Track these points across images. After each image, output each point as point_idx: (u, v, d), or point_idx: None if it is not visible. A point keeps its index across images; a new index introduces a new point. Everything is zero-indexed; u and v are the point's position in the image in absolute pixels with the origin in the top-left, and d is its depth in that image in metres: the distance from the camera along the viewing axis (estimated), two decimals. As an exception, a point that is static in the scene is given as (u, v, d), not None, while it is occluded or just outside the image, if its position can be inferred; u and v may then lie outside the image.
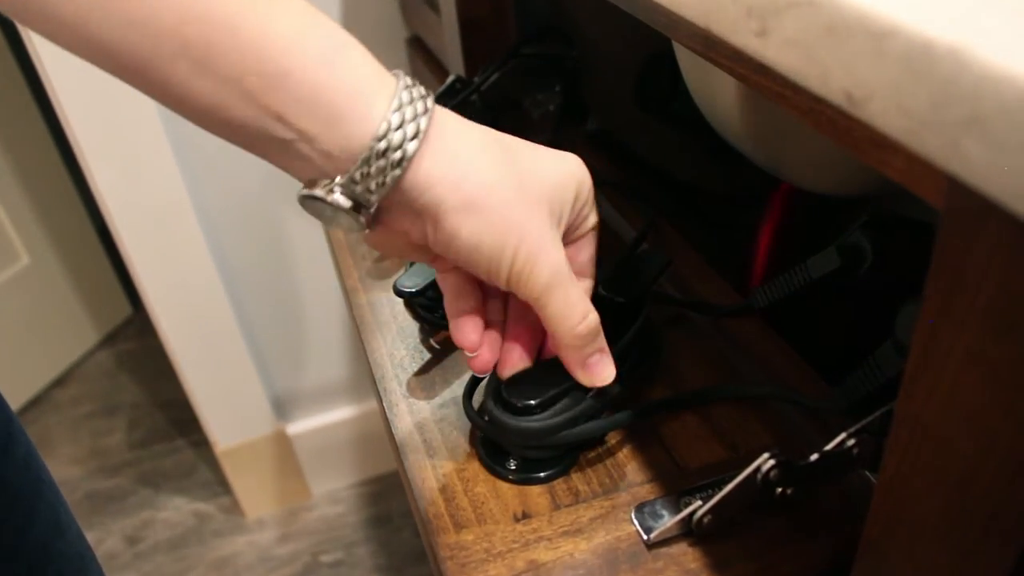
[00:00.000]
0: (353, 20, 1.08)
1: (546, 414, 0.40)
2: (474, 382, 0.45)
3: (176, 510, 1.48)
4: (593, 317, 0.39)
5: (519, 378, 0.42)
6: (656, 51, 0.68)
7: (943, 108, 0.20)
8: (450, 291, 0.41)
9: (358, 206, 0.34)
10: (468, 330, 0.41)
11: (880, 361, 0.41)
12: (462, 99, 0.71)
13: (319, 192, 0.34)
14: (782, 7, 0.25)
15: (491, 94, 0.73)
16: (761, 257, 0.61)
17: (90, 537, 1.42)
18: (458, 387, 0.48)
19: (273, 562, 1.38)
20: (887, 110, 0.22)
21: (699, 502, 0.38)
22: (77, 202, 1.80)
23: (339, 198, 0.34)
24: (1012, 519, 0.24)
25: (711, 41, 0.31)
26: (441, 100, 0.74)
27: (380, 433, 1.44)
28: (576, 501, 0.41)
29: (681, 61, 0.54)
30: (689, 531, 0.38)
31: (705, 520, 0.37)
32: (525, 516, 0.40)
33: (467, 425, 0.45)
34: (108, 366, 1.84)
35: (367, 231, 0.36)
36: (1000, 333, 0.22)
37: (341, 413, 1.42)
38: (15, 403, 1.71)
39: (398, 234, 0.37)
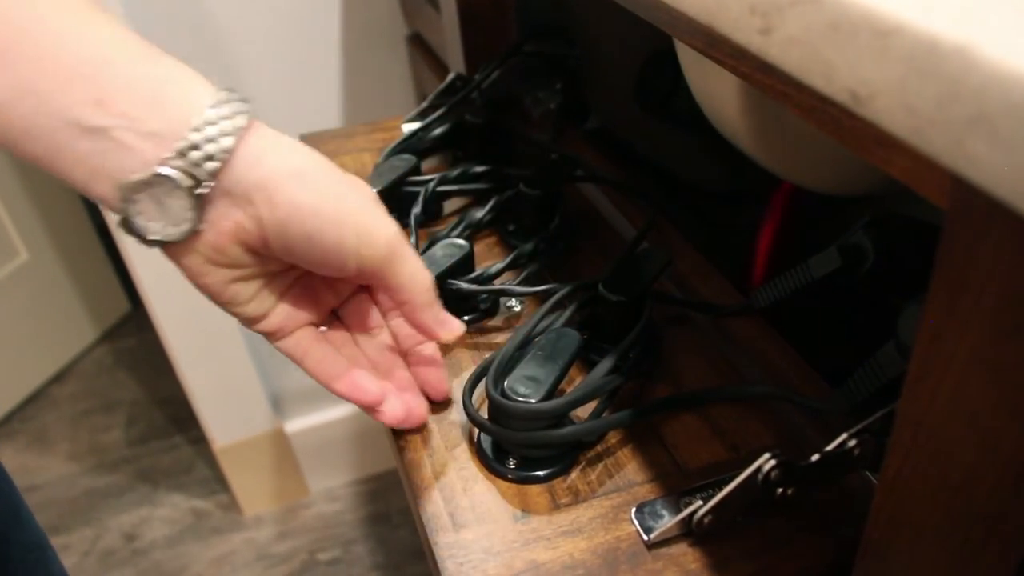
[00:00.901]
0: (354, 17, 1.08)
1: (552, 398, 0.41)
2: (475, 380, 0.45)
3: (174, 507, 1.48)
4: (431, 275, 0.41)
5: (518, 371, 0.42)
6: (657, 49, 0.68)
7: (949, 107, 0.19)
8: (308, 353, 0.42)
9: (193, 186, 0.33)
10: (362, 383, 0.42)
11: (882, 361, 0.41)
12: (462, 97, 0.71)
13: (157, 169, 0.32)
14: (785, 4, 0.25)
15: (492, 92, 0.72)
16: (762, 256, 0.61)
17: (88, 533, 1.43)
18: (457, 386, 0.48)
19: (271, 560, 1.37)
20: (892, 108, 0.22)
21: (699, 502, 0.37)
22: (76, 198, 1.79)
23: (174, 172, 0.32)
24: (1015, 523, 0.24)
25: (713, 39, 0.31)
26: (441, 97, 0.74)
27: (378, 431, 1.44)
28: (576, 501, 0.40)
29: (682, 59, 0.54)
30: (689, 531, 0.38)
31: (705, 520, 0.37)
32: (524, 515, 0.40)
33: (466, 423, 0.45)
34: (106, 363, 1.84)
35: (198, 231, 0.34)
36: (1005, 334, 0.22)
37: (339, 411, 1.42)
38: (13, 399, 1.71)
39: (228, 240, 0.35)
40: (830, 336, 0.53)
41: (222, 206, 0.34)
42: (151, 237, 0.34)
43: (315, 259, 0.37)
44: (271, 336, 0.41)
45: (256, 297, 0.39)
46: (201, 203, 0.34)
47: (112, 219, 1.06)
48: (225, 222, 0.35)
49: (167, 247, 0.36)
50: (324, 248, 0.36)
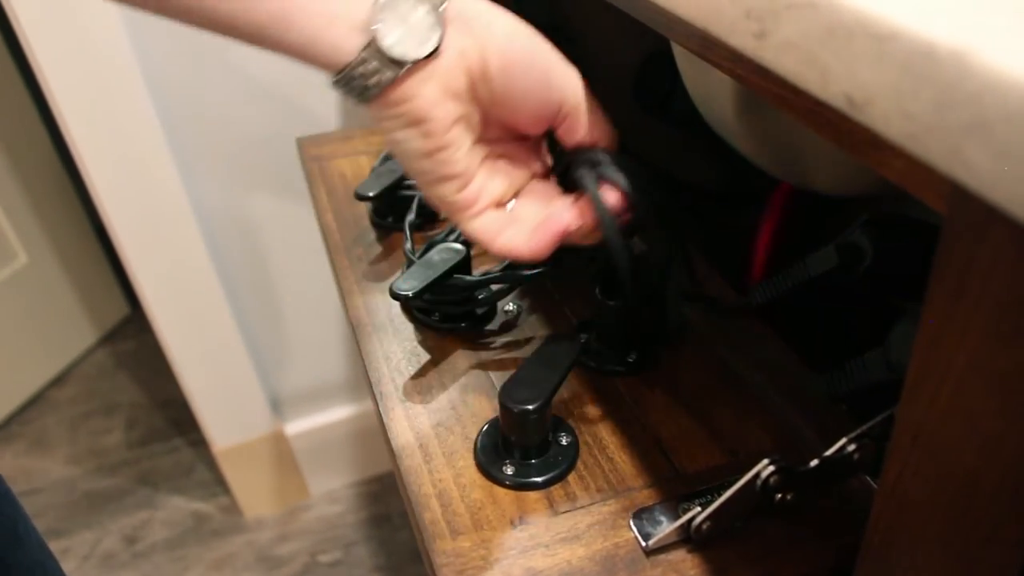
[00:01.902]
0: (350, 18, 1.08)
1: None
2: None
3: (175, 510, 1.48)
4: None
5: (518, 375, 0.42)
6: (655, 50, 0.68)
7: (946, 112, 0.19)
8: (500, 232, 0.41)
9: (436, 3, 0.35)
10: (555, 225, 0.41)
11: (868, 365, 0.40)
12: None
13: None
14: (781, 8, 0.25)
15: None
16: (761, 256, 0.60)
17: (88, 537, 1.42)
18: (455, 391, 0.48)
19: (271, 562, 1.37)
20: (888, 114, 0.21)
21: (698, 508, 0.37)
22: (75, 201, 1.79)
23: None
24: (1016, 528, 0.24)
25: (709, 42, 0.31)
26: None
27: (378, 432, 1.44)
28: (574, 507, 0.40)
29: (679, 61, 0.54)
30: (688, 537, 0.38)
31: (704, 526, 0.37)
32: (522, 522, 0.39)
33: (464, 429, 0.45)
34: (106, 365, 1.84)
35: (439, 51, 0.36)
36: (1005, 339, 0.21)
37: (339, 412, 1.42)
38: (13, 403, 1.71)
39: (457, 67, 0.37)
40: (829, 336, 0.52)
41: (452, 32, 0.36)
42: (403, 55, 0.35)
43: (526, 93, 0.39)
44: (467, 211, 0.41)
45: (470, 150, 0.40)
46: (442, 20, 0.36)
47: (110, 220, 1.06)
48: (455, 46, 0.37)
49: (407, 75, 0.36)
50: (536, 81, 0.38)
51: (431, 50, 0.36)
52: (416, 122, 0.38)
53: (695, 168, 0.73)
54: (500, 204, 0.43)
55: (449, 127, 0.38)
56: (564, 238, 0.41)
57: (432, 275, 0.50)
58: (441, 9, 0.36)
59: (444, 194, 0.41)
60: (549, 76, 0.39)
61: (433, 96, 0.37)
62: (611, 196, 0.41)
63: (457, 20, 0.36)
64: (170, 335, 1.18)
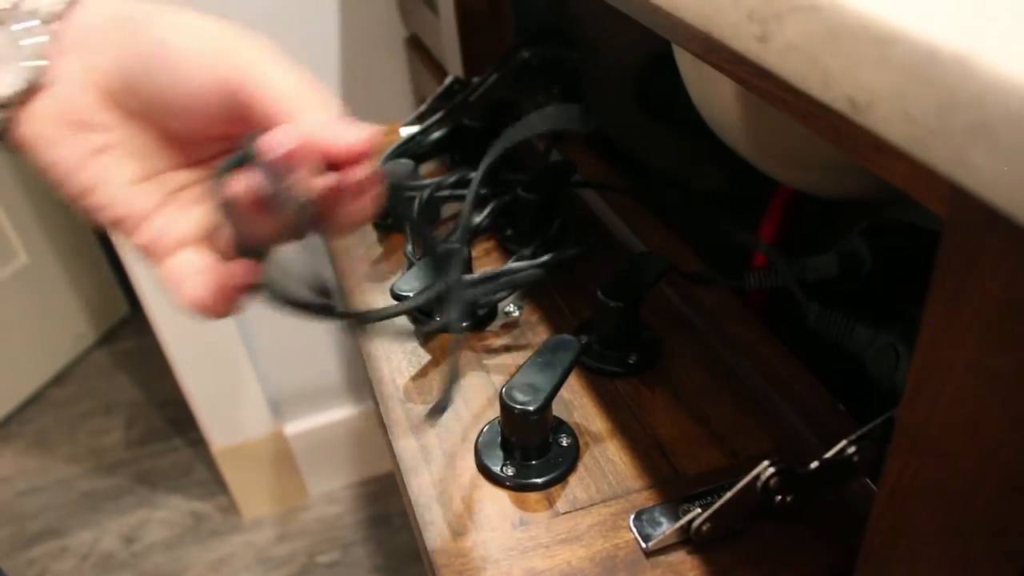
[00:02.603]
0: (352, 19, 1.08)
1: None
2: None
3: (173, 509, 1.48)
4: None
5: (519, 377, 0.42)
6: (657, 52, 0.68)
7: (948, 115, 0.19)
8: (186, 279, 0.32)
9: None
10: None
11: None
12: (460, 100, 0.71)
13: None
14: (784, 11, 0.25)
15: (490, 96, 0.72)
16: (761, 260, 0.60)
17: (86, 536, 1.42)
18: (454, 392, 0.48)
19: (270, 562, 1.37)
20: (891, 116, 0.21)
21: (698, 510, 0.37)
22: (75, 201, 1.79)
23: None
24: (1016, 533, 0.24)
25: (711, 45, 0.31)
26: (439, 101, 0.74)
27: (377, 433, 1.44)
28: (574, 508, 0.40)
29: (681, 64, 0.54)
30: (688, 539, 0.38)
31: (704, 528, 0.37)
32: (522, 523, 0.40)
33: (464, 430, 0.45)
34: (106, 365, 1.84)
35: (41, 85, 0.29)
36: (1005, 344, 0.21)
37: (338, 413, 1.42)
38: (12, 402, 1.71)
39: (76, 100, 0.30)
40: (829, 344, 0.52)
41: (68, 53, 0.30)
42: None
43: (189, 82, 0.30)
44: (150, 256, 0.33)
45: (134, 186, 0.32)
46: (42, 47, 0.30)
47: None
48: (75, 67, 0.30)
49: (10, 119, 0.30)
50: (195, 68, 0.29)
51: (22, 85, 0.29)
52: (43, 169, 0.31)
53: (696, 171, 0.73)
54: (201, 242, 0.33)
55: (82, 164, 0.31)
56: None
57: (433, 275, 0.50)
58: (41, 36, 0.29)
59: (123, 239, 0.32)
60: (209, 55, 0.29)
61: (45, 134, 0.30)
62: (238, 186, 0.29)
63: (79, 38, 0.30)
64: (170, 335, 1.18)
